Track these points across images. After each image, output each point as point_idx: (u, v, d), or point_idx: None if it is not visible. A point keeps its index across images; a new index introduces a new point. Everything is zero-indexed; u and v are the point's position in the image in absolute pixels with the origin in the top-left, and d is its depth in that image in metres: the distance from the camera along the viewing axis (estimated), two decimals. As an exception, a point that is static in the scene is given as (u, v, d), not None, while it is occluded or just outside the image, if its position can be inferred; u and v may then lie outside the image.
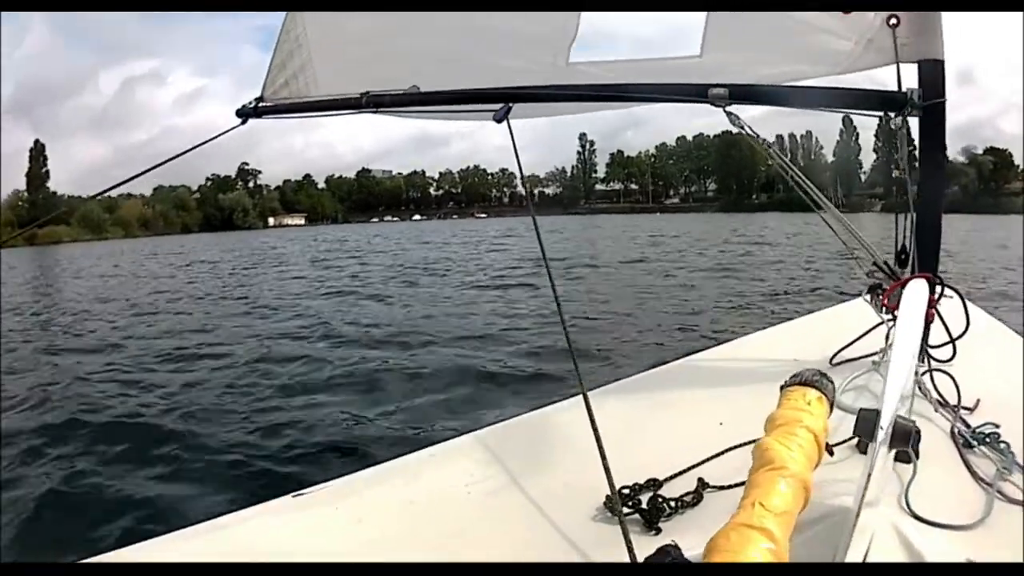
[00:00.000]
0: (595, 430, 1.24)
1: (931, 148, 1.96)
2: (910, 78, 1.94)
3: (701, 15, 2.15)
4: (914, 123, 1.93)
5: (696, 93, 1.93)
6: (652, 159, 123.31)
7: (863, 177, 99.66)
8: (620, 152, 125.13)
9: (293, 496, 1.66)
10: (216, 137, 2.39)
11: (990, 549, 1.22)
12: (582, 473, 1.47)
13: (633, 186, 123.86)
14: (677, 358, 2.52)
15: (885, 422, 1.12)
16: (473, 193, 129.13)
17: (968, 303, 1.89)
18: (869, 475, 1.10)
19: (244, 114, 2.37)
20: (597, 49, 2.26)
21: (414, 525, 1.49)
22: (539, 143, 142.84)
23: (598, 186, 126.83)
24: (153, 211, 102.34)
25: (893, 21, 1.95)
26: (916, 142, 1.95)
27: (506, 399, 6.20)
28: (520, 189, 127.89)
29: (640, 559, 1.05)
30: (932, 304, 1.73)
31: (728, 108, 1.90)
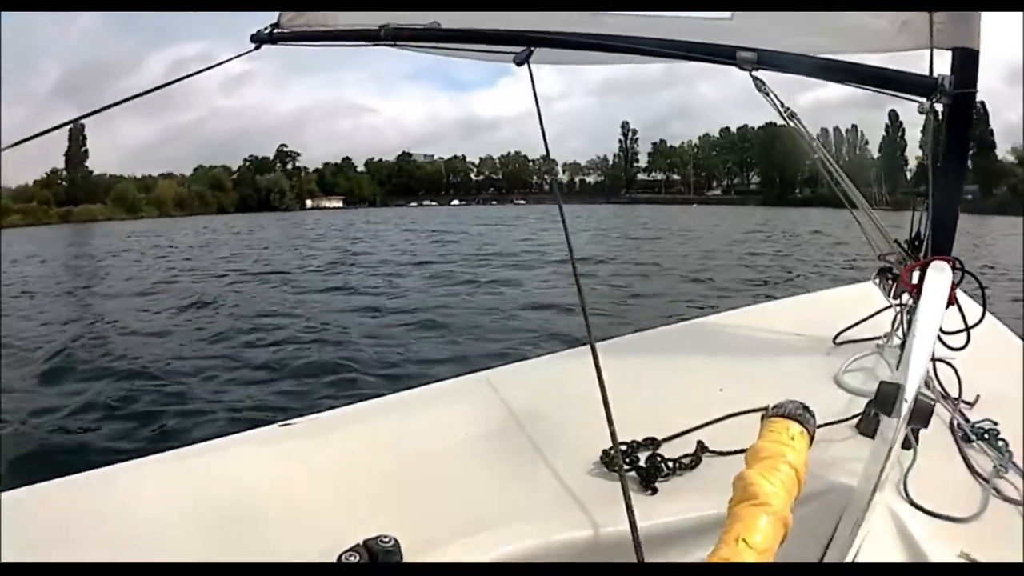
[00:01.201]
0: (601, 383, 1.21)
1: (956, 137, 1.92)
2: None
3: None
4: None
5: (723, 54, 1.88)
6: (695, 149, 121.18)
7: (908, 175, 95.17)
8: (663, 142, 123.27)
9: (280, 425, 1.63)
10: (227, 61, 2.33)
11: (985, 545, 1.22)
12: (581, 425, 1.45)
13: (675, 176, 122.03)
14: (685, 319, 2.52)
15: (909, 396, 1.09)
16: (514, 179, 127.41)
17: (968, 298, 1.88)
18: (889, 451, 1.09)
19: (259, 39, 2.29)
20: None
21: (405, 464, 1.46)
22: (582, 131, 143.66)
23: (640, 175, 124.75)
24: (189, 191, 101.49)
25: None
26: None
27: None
28: (562, 175, 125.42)
29: (638, 518, 1.03)
30: (953, 287, 1.71)
31: (755, 73, 1.86)
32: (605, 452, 1.40)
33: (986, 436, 1.57)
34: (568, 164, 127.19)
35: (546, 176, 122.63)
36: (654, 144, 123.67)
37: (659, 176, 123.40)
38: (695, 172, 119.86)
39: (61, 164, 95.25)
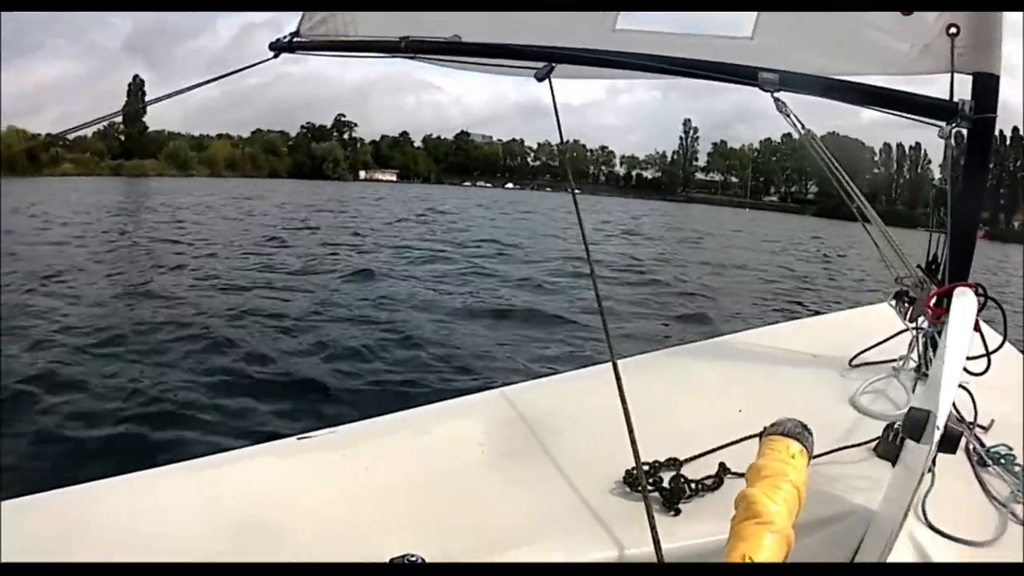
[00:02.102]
0: (624, 402, 1.20)
1: (976, 162, 1.94)
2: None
3: None
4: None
5: (745, 75, 1.89)
6: (755, 153, 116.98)
7: None
8: (723, 142, 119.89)
9: (298, 438, 1.61)
10: (244, 69, 2.33)
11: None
12: (600, 444, 1.43)
13: (733, 178, 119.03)
14: (702, 339, 2.51)
15: (940, 423, 1.08)
16: (571, 168, 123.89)
17: (983, 324, 1.88)
18: (922, 475, 1.08)
19: (278, 48, 2.30)
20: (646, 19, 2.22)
21: (422, 479, 1.45)
22: (643, 125, 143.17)
23: (698, 175, 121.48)
24: (242, 153, 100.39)
25: (953, 30, 1.91)
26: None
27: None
28: (619, 168, 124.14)
29: (661, 539, 1.02)
30: (977, 313, 1.71)
31: (776, 94, 1.86)
32: (628, 472, 1.38)
33: (1002, 461, 1.57)
34: (626, 157, 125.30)
35: (603, 167, 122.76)
36: (714, 144, 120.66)
37: (717, 177, 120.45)
38: (753, 176, 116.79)
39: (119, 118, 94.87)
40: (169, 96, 2.34)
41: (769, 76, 1.85)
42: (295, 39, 2.31)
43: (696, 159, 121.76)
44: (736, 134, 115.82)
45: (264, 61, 2.29)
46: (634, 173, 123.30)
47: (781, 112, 1.89)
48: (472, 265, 14.25)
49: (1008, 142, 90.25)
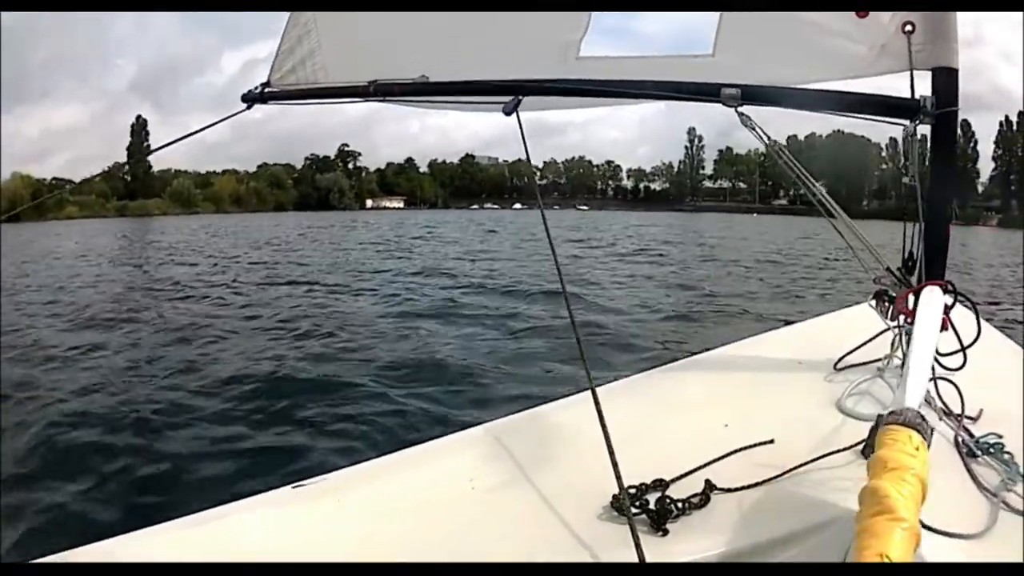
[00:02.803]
0: (604, 428, 1.23)
1: (942, 156, 1.95)
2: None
3: (714, 15, 2.14)
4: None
5: (708, 92, 1.92)
6: (762, 158, 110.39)
7: (980, 188, 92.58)
8: (729, 149, 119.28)
9: (293, 487, 1.64)
10: (218, 123, 2.37)
11: (995, 559, 1.22)
12: (587, 471, 1.45)
13: (741, 184, 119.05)
14: (680, 357, 2.52)
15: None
16: (578, 184, 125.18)
17: (968, 312, 1.89)
18: None
19: (250, 99, 2.34)
20: (607, 45, 2.25)
21: (417, 520, 1.47)
22: (650, 137, 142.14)
23: (705, 183, 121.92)
24: (246, 188, 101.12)
25: (908, 28, 1.93)
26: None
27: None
28: (626, 182, 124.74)
29: (651, 560, 1.04)
30: (947, 311, 1.72)
31: (740, 109, 1.90)
32: (615, 497, 1.40)
33: (991, 450, 1.56)
34: (632, 170, 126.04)
35: (610, 181, 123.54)
36: (720, 152, 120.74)
37: (725, 184, 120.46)
38: (762, 181, 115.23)
39: (123, 158, 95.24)
40: (153, 151, 2.34)
41: (731, 91, 1.89)
42: (266, 89, 2.35)
43: (703, 167, 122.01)
44: (741, 140, 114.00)
45: (237, 113, 2.34)
46: (642, 186, 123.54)
47: (746, 126, 1.92)
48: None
49: (1015, 127, 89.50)
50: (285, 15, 2.32)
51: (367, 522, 1.47)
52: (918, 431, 1.06)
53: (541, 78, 2.05)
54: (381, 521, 1.47)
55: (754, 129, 1.93)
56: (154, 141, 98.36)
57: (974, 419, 1.73)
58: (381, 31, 2.27)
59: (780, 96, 1.96)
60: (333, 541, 1.41)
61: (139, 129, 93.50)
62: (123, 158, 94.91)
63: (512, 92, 1.94)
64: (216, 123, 2.41)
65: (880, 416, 1.19)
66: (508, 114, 1.92)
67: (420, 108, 2.38)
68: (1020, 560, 1.23)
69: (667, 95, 1.99)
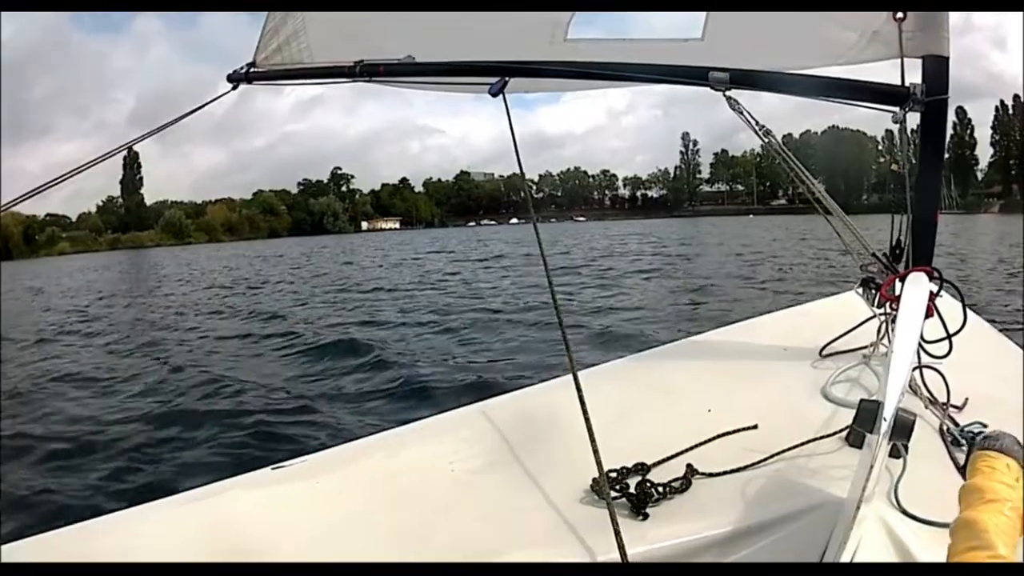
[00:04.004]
0: (585, 412, 1.22)
1: (931, 144, 1.93)
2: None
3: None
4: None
5: (696, 76, 1.90)
6: (758, 159, 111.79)
7: (980, 175, 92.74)
8: (724, 152, 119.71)
9: (272, 468, 1.63)
10: (206, 105, 2.34)
11: None
12: (569, 454, 1.44)
13: (739, 187, 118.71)
14: (667, 343, 2.51)
15: (888, 413, 1.09)
16: (575, 196, 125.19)
17: (954, 301, 1.88)
18: (871, 467, 1.08)
19: (235, 79, 2.31)
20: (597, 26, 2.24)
21: (396, 501, 1.46)
22: (647, 144, 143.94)
23: (703, 187, 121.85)
24: (239, 216, 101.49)
25: (899, 15, 1.92)
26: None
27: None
28: (623, 191, 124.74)
29: (628, 545, 1.02)
30: (932, 298, 1.71)
31: (728, 93, 1.88)
32: (595, 480, 1.39)
33: (976, 439, 1.56)
34: (629, 178, 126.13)
35: (607, 191, 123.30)
36: (715, 154, 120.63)
37: (722, 187, 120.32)
38: (759, 181, 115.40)
39: (117, 192, 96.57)
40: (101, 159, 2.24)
41: (719, 75, 1.86)
42: (252, 70, 2.32)
43: (699, 171, 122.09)
44: (737, 142, 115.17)
45: (223, 95, 2.31)
46: (639, 193, 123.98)
47: (735, 110, 1.90)
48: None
49: (1011, 111, 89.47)
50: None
51: (345, 502, 1.47)
52: (1016, 460, 1.02)
53: (529, 60, 2.03)
54: (359, 501, 1.47)
55: (742, 114, 1.91)
56: (154, 174, 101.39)
57: (959, 408, 1.72)
58: (366, 12, 2.23)
59: (769, 81, 1.94)
60: (311, 521, 1.40)
61: (131, 162, 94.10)
62: (114, 191, 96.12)
63: (499, 73, 1.91)
64: (201, 107, 2.37)
65: (862, 401, 1.18)
66: (495, 95, 1.89)
67: (407, 89, 2.34)
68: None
69: (655, 78, 1.97)
